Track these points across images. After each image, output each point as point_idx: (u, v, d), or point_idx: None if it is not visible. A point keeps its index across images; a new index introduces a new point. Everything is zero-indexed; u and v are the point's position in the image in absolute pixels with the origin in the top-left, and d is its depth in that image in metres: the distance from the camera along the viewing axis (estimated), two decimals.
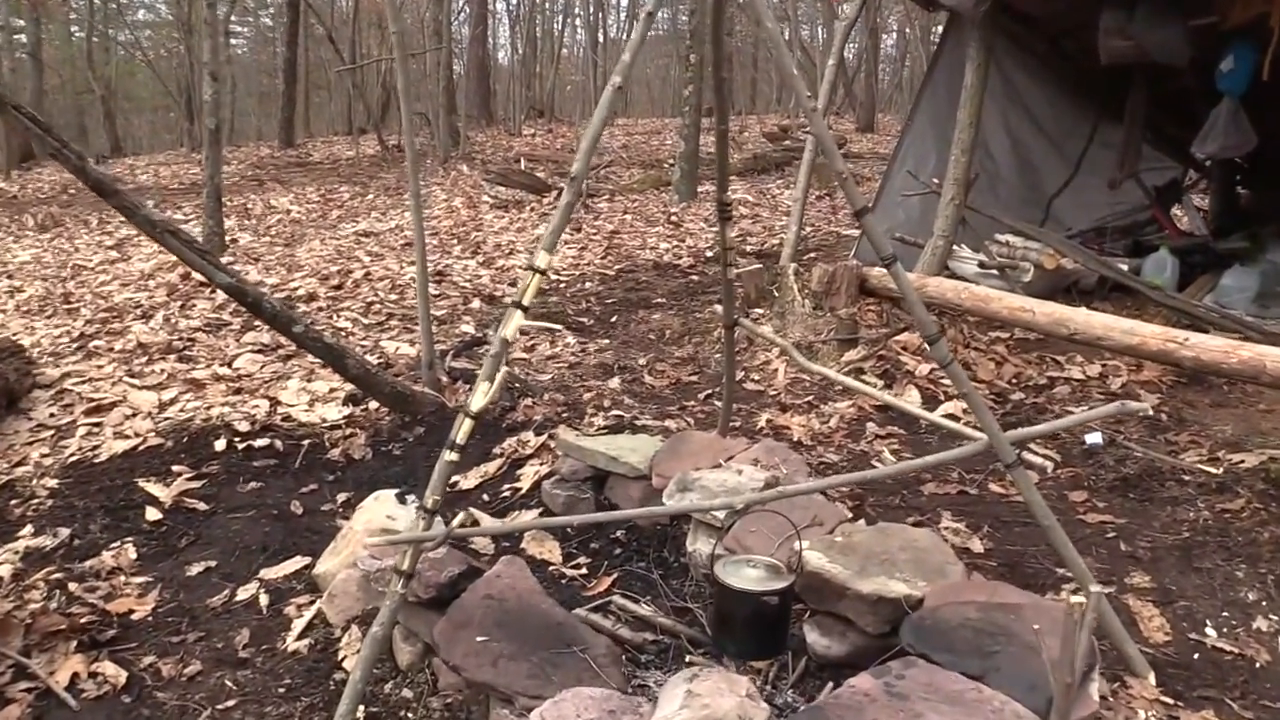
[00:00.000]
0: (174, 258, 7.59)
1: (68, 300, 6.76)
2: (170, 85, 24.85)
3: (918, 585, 2.64)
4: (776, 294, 5.51)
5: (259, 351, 5.57)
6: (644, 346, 5.62)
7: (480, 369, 5.15)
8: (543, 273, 2.43)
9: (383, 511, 3.42)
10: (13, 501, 3.95)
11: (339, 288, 6.85)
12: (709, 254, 7.71)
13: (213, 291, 6.96)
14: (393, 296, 6.59)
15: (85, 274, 7.61)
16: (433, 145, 14.47)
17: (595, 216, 9.15)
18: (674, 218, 8.87)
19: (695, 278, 7.02)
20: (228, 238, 8.41)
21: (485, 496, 3.93)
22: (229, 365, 5.37)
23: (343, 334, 5.90)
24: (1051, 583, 3.07)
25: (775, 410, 4.58)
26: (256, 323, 6.14)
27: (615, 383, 4.99)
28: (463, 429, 2.42)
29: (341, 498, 3.96)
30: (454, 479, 4.08)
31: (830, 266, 5.35)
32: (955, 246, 5.65)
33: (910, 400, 4.64)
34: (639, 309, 6.32)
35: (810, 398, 4.70)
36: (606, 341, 5.75)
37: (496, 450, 4.26)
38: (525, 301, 2.42)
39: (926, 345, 2.46)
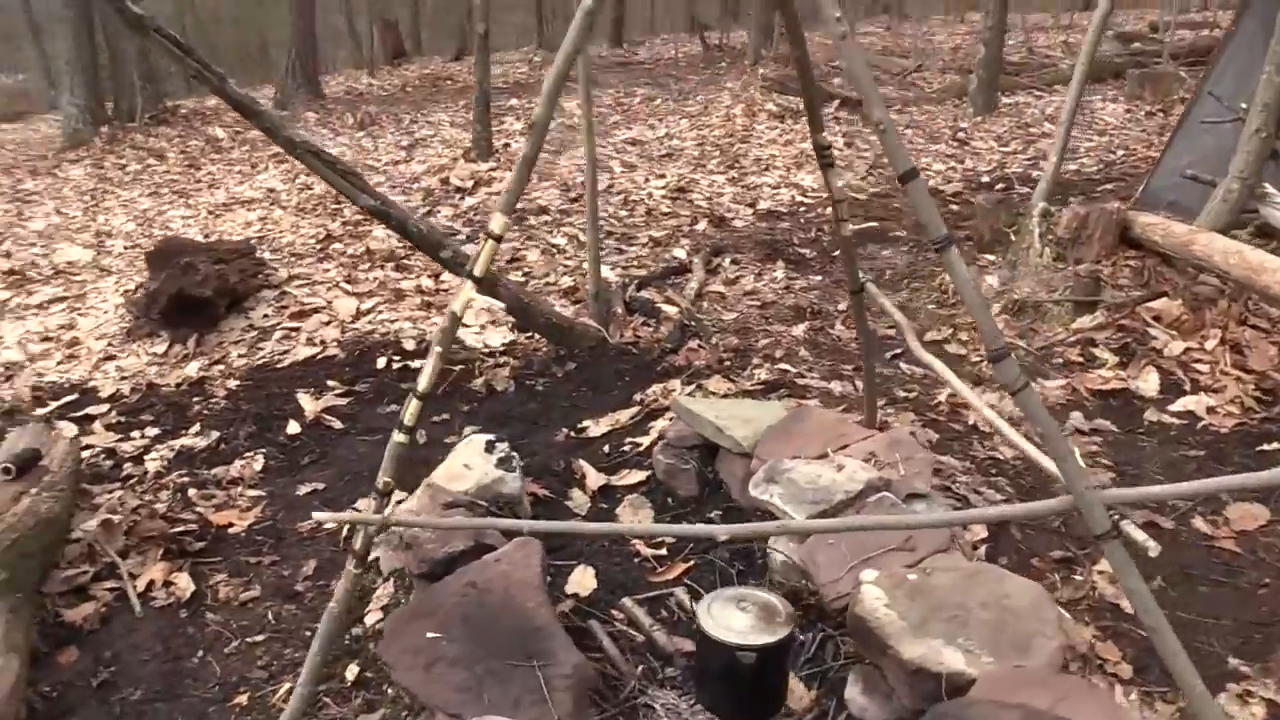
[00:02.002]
0: (442, 162, 7.91)
1: (337, 201, 7.23)
2: None
3: (980, 661, 2.06)
4: (1013, 237, 4.64)
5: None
6: None
7: (664, 301, 4.84)
8: (498, 239, 2.06)
9: (461, 460, 3.27)
10: (195, 399, 4.26)
11: (576, 200, 6.76)
12: (984, 179, 6.72)
13: (462, 197, 7.16)
14: (623, 213, 6.39)
15: (368, 174, 8.11)
16: (743, 45, 13.92)
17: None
18: (961, 134, 7.84)
19: (955, 207, 6.15)
20: (500, 142, 8.60)
21: (606, 448, 3.66)
22: (435, 278, 5.45)
23: (554, 250, 5.79)
24: (1218, 675, 2.30)
25: (967, 383, 3.86)
26: (480, 234, 6.21)
27: (800, 329, 4.47)
28: (409, 410, 2.15)
29: (467, 431, 3.85)
30: (584, 424, 3.85)
31: (1083, 209, 4.39)
32: (1271, 190, 4.41)
33: (1146, 384, 3.73)
34: (872, 242, 5.64)
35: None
36: (819, 278, 5.18)
37: (639, 397, 3.95)
38: (478, 272, 2.08)
39: (990, 362, 1.81)
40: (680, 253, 5.61)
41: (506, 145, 8.67)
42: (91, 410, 4.23)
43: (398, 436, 2.20)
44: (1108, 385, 3.74)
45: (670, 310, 4.73)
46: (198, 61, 3.49)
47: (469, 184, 7.38)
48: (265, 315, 5.05)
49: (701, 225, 6.04)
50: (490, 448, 3.31)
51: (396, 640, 2.22)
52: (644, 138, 8.58)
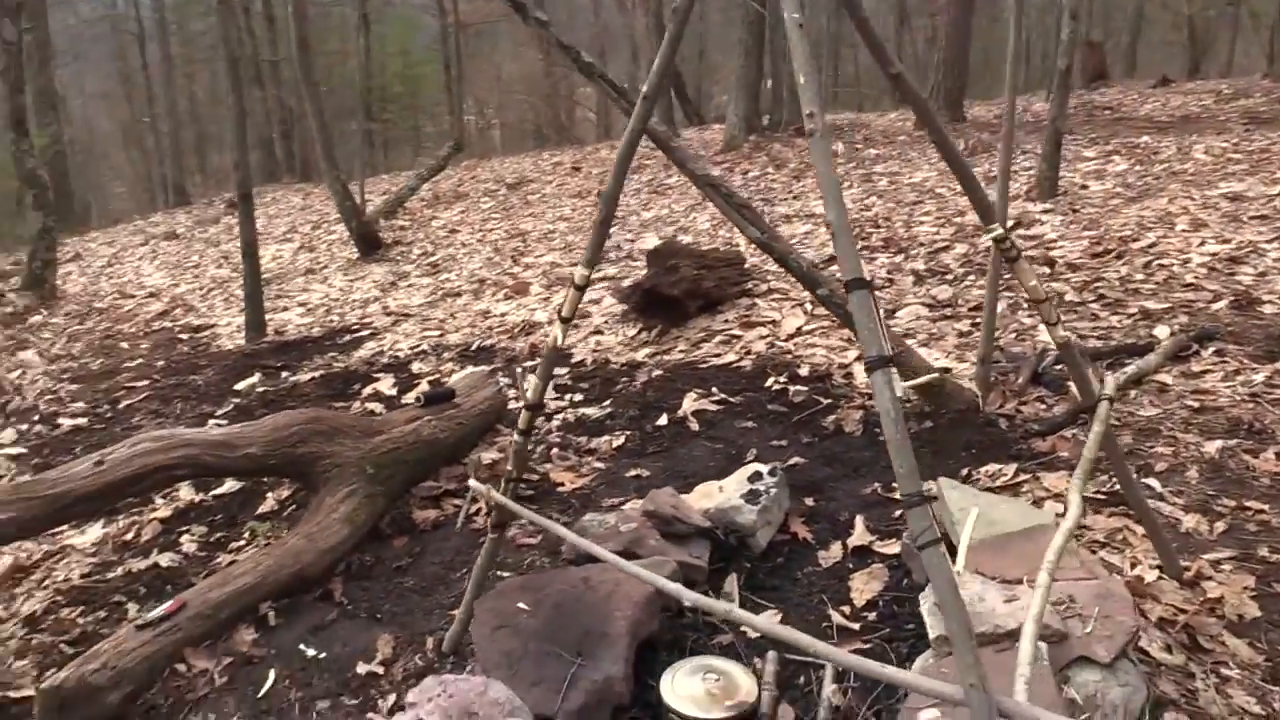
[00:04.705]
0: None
1: (875, 225, 7.55)
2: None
3: None
4: None
5: (928, 305, 5.59)
6: None
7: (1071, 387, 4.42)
8: (580, 289, 2.36)
9: (724, 481, 3.52)
10: (624, 379, 5.08)
11: (1099, 255, 6.14)
12: None
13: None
14: (1138, 276, 5.67)
15: (922, 202, 8.25)
16: None
17: None
18: None
19: None
20: (1077, 182, 8.02)
21: (899, 513, 3.58)
22: (894, 314, 5.54)
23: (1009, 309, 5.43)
24: None
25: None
26: (956, 277, 6.08)
27: (1215, 447, 3.71)
28: (522, 418, 2.54)
29: (794, 461, 4.03)
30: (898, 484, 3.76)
31: None
32: None
33: None
34: None
35: None
36: None
37: (967, 471, 3.75)
38: (565, 314, 2.40)
39: (904, 509, 1.63)
40: (1164, 330, 4.89)
41: (1085, 186, 8.07)
42: (556, 370, 5.26)
43: (516, 437, 2.63)
44: None
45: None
46: (629, 101, 4.17)
47: (1008, 223, 7.11)
48: (726, 320, 5.67)
49: (1220, 305, 5.12)
50: (755, 478, 3.53)
51: (493, 600, 2.67)
52: (1251, 193, 7.29)
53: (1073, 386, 4.34)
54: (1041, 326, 5.06)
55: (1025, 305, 5.41)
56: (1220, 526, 3.21)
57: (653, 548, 2.93)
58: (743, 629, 2.93)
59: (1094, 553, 3.07)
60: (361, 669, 2.92)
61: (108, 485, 3.17)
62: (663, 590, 2.24)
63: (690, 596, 2.06)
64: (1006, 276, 6.00)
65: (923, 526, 1.61)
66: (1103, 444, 2.63)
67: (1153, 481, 3.52)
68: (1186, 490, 3.45)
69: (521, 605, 2.62)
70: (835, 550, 3.42)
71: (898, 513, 3.57)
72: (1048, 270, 6.00)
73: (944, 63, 13.10)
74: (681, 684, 2.15)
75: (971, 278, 6.02)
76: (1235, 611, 2.77)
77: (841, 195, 1.72)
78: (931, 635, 2.51)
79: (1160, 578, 2.90)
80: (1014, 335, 5.00)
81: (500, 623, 2.57)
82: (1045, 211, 7.38)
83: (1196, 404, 4.10)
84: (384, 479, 3.72)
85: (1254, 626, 2.72)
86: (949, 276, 6.13)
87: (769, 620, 2.34)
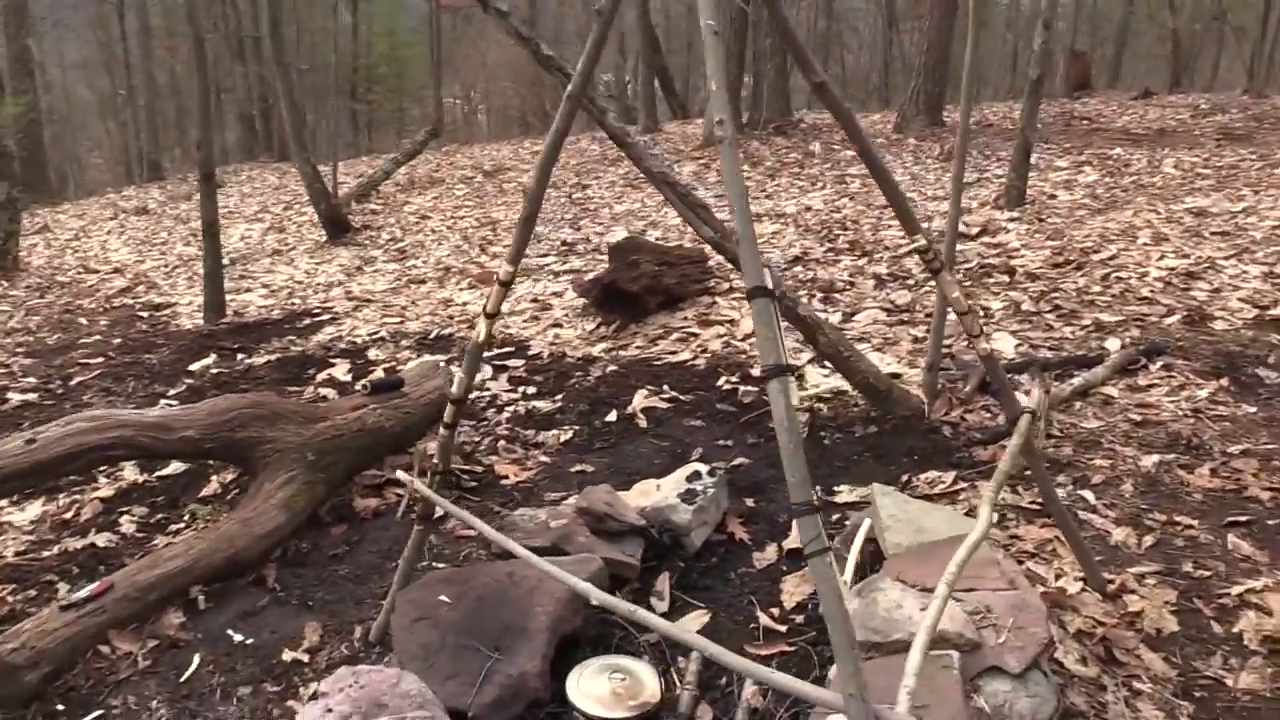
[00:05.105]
0: (969, 205, 7.76)
1: (843, 226, 7.57)
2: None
3: None
4: None
5: (886, 310, 5.61)
6: None
7: (1026, 390, 4.46)
8: (505, 285, 2.36)
9: (662, 480, 3.53)
10: (578, 373, 5.07)
11: (1059, 266, 6.20)
12: None
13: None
14: (1095, 288, 5.71)
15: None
16: None
17: None
18: None
19: None
20: (1047, 191, 8.08)
21: (837, 516, 3.61)
22: (852, 318, 5.57)
23: (987, 316, 5.47)
24: None
25: None
26: (916, 282, 6.11)
27: (1152, 462, 3.76)
28: (448, 411, 2.54)
29: (738, 462, 4.05)
30: (840, 488, 3.79)
31: None
32: None
33: None
34: None
35: None
36: (1250, 410, 4.18)
37: (906, 478, 3.78)
38: (489, 309, 2.40)
39: (793, 517, 1.64)
40: (1115, 343, 4.94)
41: (1053, 196, 8.13)
42: (511, 362, 5.28)
43: (442, 431, 2.63)
44: None
45: (1024, 400, 4.28)
46: (589, 99, 4.16)
47: (973, 230, 7.16)
48: (685, 318, 5.67)
49: (1172, 320, 5.17)
50: (694, 477, 3.54)
51: (416, 591, 2.67)
52: (1215, 209, 7.36)
53: (1020, 396, 4.39)
54: (996, 335, 5.14)
55: (981, 314, 5.45)
56: (1149, 540, 3.25)
57: (581, 545, 2.94)
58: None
59: (1021, 563, 3.09)
60: (287, 656, 2.92)
61: (38, 464, 3.14)
62: (573, 588, 2.24)
63: (597, 596, 2.07)
64: (967, 284, 6.06)
65: (810, 535, 1.62)
66: (1027, 457, 2.67)
67: (1087, 493, 3.56)
68: (1120, 503, 3.49)
69: (443, 598, 2.62)
70: (770, 552, 3.43)
71: (835, 516, 3.59)
72: (1007, 279, 6.04)
73: (925, 67, 13.12)
74: (588, 683, 2.16)
75: (932, 284, 6.05)
76: (1154, 625, 2.80)
77: (748, 204, 1.72)
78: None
79: (1083, 590, 2.93)
80: (966, 343, 5.02)
81: (420, 614, 2.57)
82: (1011, 220, 7.43)
83: (1139, 417, 4.14)
84: (325, 466, 3.71)
85: (1171, 641, 2.75)
86: (910, 281, 6.17)
87: (668, 622, 2.34)
